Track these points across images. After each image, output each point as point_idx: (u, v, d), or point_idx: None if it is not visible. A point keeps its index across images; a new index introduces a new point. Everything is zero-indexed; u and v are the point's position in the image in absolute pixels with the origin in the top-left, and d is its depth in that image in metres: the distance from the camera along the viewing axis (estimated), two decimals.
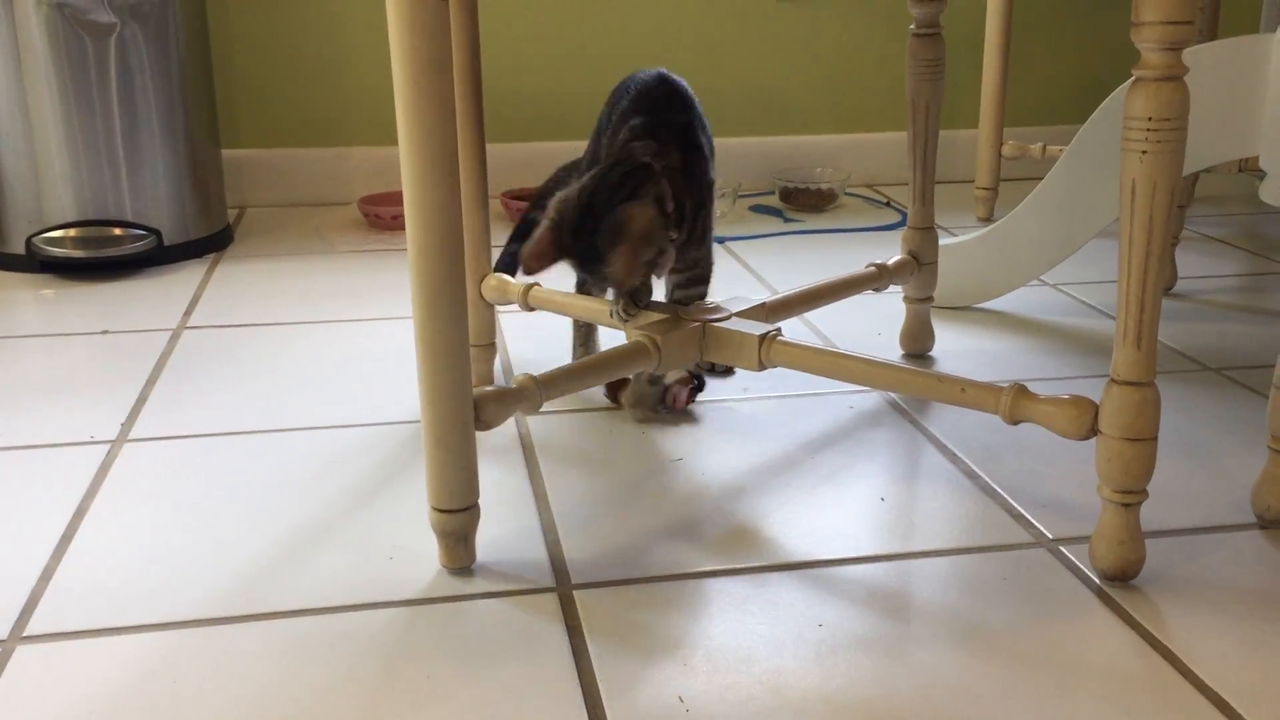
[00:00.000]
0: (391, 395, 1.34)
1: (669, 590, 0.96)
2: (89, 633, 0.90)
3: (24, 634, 0.89)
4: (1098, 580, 0.97)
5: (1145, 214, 0.87)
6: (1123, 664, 0.86)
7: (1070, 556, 1.00)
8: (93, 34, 1.79)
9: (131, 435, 1.24)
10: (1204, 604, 0.93)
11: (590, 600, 0.94)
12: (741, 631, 0.90)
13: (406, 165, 0.88)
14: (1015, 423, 0.99)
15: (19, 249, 1.83)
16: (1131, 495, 0.93)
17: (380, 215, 2.08)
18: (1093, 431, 0.93)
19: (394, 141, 2.23)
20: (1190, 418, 1.28)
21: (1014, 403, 0.99)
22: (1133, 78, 0.87)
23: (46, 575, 0.97)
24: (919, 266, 1.41)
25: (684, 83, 1.21)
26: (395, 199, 2.11)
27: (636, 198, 1.04)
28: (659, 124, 1.15)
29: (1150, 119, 0.85)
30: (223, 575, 0.98)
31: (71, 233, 1.83)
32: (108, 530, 1.05)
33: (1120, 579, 0.96)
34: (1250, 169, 2.06)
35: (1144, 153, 0.86)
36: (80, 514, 1.07)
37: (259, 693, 0.83)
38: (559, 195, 1.07)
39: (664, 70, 1.21)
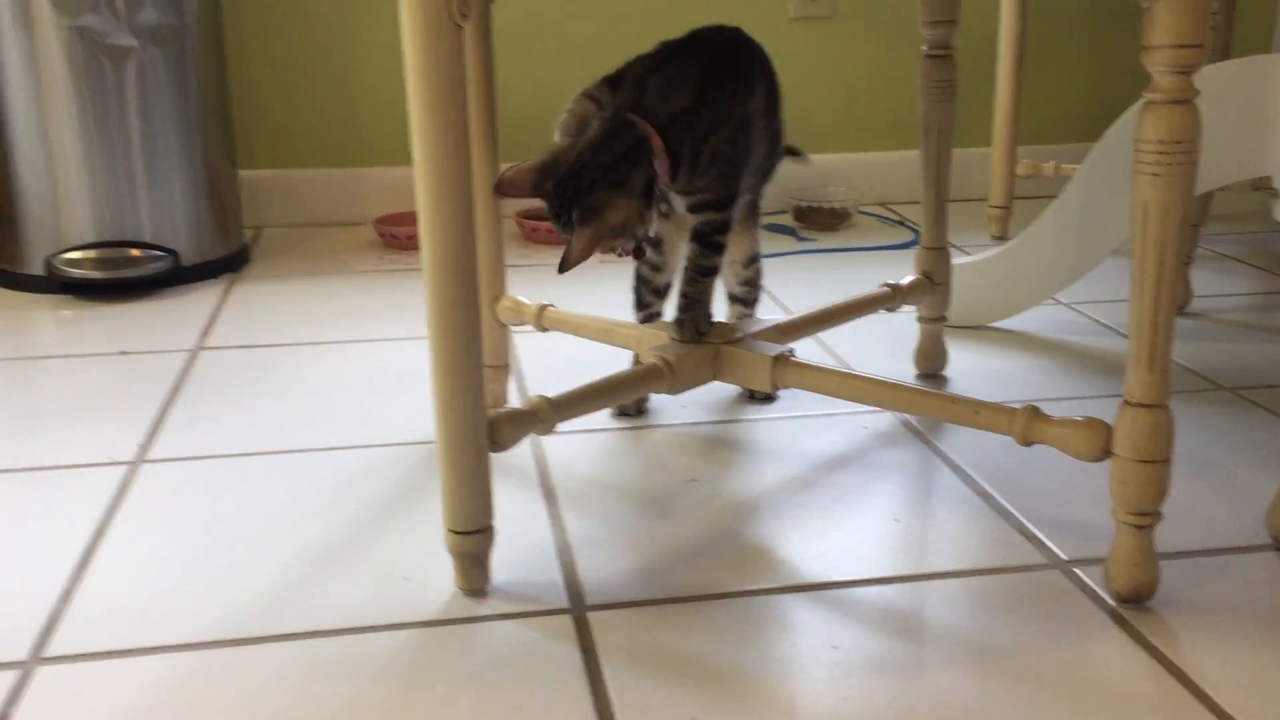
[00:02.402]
0: (406, 416, 1.35)
1: (683, 612, 0.96)
2: (108, 654, 0.90)
3: (44, 655, 0.90)
4: (1112, 602, 0.96)
5: (1157, 237, 0.87)
6: (1137, 686, 0.86)
7: (1084, 578, 1.00)
8: (112, 57, 1.81)
9: (149, 456, 1.25)
10: (1218, 626, 0.93)
11: (605, 622, 0.94)
12: (756, 653, 0.90)
13: (421, 188, 0.89)
14: (1028, 444, 1.00)
15: (38, 270, 1.85)
16: (1145, 517, 0.93)
17: (396, 235, 2.09)
18: (1106, 453, 0.93)
19: (409, 162, 2.23)
20: (1205, 438, 1.28)
21: (1027, 424, 0.99)
22: (1144, 100, 0.87)
23: (66, 596, 0.98)
24: (932, 286, 1.42)
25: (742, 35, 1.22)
26: (410, 219, 2.12)
27: (624, 184, 1.06)
28: (679, 51, 1.16)
29: (1161, 141, 0.86)
30: (240, 596, 0.98)
31: (90, 254, 1.85)
32: (126, 551, 1.06)
33: (1134, 601, 0.96)
34: (1265, 187, 2.06)
35: (1155, 175, 0.86)
36: (99, 535, 1.08)
37: (276, 715, 0.83)
38: (563, 145, 1.09)
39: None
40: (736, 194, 1.17)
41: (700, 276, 1.19)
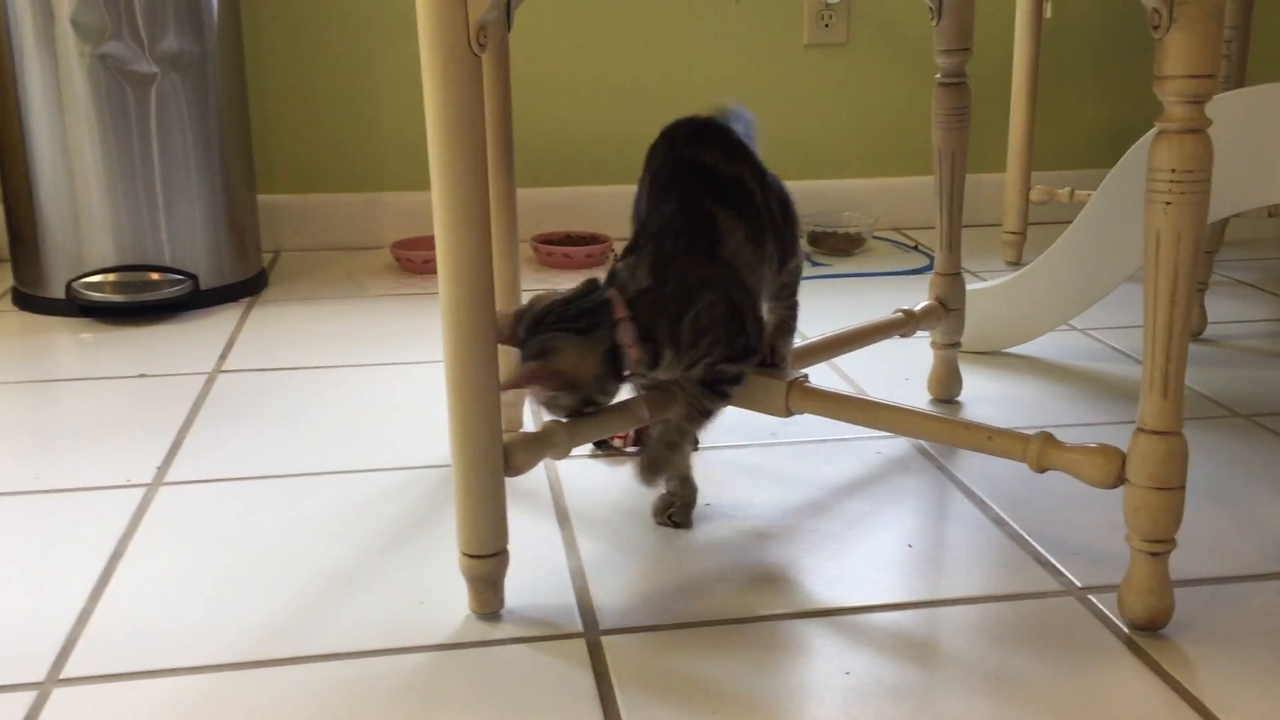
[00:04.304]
0: (422, 439, 1.36)
1: (696, 636, 0.96)
2: (124, 676, 0.91)
3: (61, 677, 0.91)
4: (1126, 629, 0.96)
5: (1170, 264, 0.88)
6: (1152, 715, 0.86)
7: (1099, 605, 1.00)
8: (134, 83, 1.83)
9: (167, 479, 1.26)
10: (1234, 654, 0.93)
11: (618, 646, 0.95)
12: (769, 679, 0.90)
13: (439, 214, 0.90)
14: (1042, 471, 1.00)
15: (59, 293, 1.87)
16: (1160, 544, 0.92)
17: (412, 259, 2.11)
18: (1120, 480, 0.93)
19: (425, 186, 2.24)
20: (1220, 465, 1.28)
21: (1041, 451, 0.99)
22: (1156, 129, 0.88)
23: (83, 618, 0.99)
24: (946, 312, 1.42)
25: (724, 127, 1.12)
26: (427, 243, 2.13)
27: (583, 333, 1.00)
28: (664, 210, 1.06)
29: (1173, 170, 0.86)
30: (256, 619, 0.99)
31: (110, 277, 1.87)
32: (143, 573, 1.06)
33: (1149, 628, 0.96)
34: None
35: (1168, 204, 0.87)
36: (116, 557, 1.09)
37: None
38: (540, 297, 1.06)
39: (705, 117, 1.12)
40: (753, 346, 1.07)
41: (698, 415, 1.07)
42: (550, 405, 1.03)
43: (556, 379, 1.00)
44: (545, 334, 1.01)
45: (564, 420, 1.03)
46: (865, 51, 2.39)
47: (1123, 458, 0.93)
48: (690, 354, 1.04)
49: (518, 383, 1.01)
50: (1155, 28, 0.85)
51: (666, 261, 1.03)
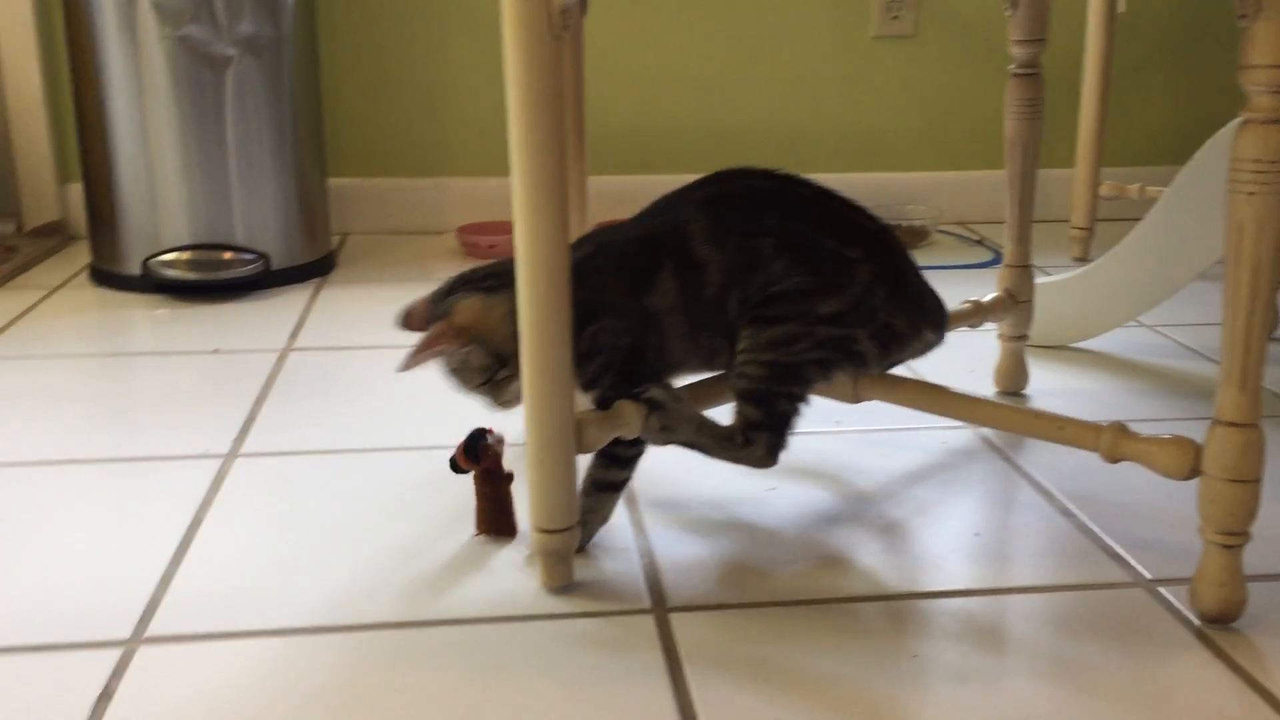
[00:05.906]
0: (490, 417, 1.37)
1: (764, 616, 0.97)
2: (206, 636, 0.94)
3: (145, 635, 0.93)
4: (1197, 622, 0.96)
5: (1252, 254, 0.87)
6: (1222, 707, 0.85)
7: (1168, 597, 1.00)
8: (211, 66, 1.86)
9: (243, 450, 1.29)
10: None
11: (686, 623, 0.96)
12: (835, 658, 0.91)
13: (519, 196, 0.91)
14: (1115, 461, 0.99)
15: (135, 270, 1.91)
16: (1234, 537, 0.92)
17: (477, 244, 2.13)
18: (1195, 472, 0.93)
19: (492, 172, 2.29)
20: None
21: (1114, 441, 0.99)
22: (1241, 119, 0.87)
23: (165, 581, 1.02)
24: (1015, 304, 1.41)
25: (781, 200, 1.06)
26: (491, 228, 2.15)
27: (487, 291, 1.02)
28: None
29: (1258, 160, 0.85)
30: (329, 586, 1.01)
31: (185, 255, 1.91)
32: (222, 540, 1.09)
33: (1221, 621, 0.95)
34: None
35: (1251, 194, 0.86)
36: (196, 524, 1.12)
37: (363, 699, 0.86)
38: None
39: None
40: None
41: (596, 489, 1.05)
42: (462, 372, 1.03)
43: (463, 335, 0.99)
44: (448, 299, 1.02)
45: (635, 400, 1.03)
46: (933, 44, 2.37)
47: (1197, 449, 0.93)
48: (584, 366, 1.00)
49: (424, 346, 0.99)
50: (1242, 16, 0.85)
51: (592, 271, 1.01)
